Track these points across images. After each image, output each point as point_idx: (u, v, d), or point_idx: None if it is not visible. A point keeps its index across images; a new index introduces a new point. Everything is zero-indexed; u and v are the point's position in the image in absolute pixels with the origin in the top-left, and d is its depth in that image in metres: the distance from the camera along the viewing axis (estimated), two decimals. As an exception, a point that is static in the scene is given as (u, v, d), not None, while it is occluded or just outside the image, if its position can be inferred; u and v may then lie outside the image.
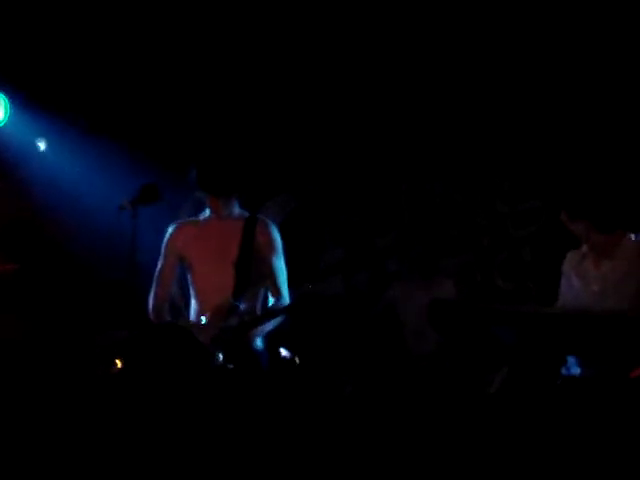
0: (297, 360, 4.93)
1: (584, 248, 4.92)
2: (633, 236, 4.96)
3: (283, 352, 4.79)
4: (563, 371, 4.94)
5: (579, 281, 4.89)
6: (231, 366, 4.69)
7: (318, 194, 7.27)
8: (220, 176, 5.05)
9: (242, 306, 4.86)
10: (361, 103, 7.04)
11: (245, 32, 6.86)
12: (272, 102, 7.02)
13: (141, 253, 5.01)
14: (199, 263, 5.09)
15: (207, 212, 5.23)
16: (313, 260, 5.57)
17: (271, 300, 5.04)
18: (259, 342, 4.96)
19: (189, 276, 5.14)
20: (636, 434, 4.36)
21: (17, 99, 6.82)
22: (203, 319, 4.86)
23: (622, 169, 5.97)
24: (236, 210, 5.17)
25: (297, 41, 6.89)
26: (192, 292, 5.11)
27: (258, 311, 5.01)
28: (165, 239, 5.22)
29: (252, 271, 4.97)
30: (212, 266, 5.03)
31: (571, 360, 4.91)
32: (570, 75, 6.76)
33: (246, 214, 5.18)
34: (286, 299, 5.02)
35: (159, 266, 5.20)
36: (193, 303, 5.09)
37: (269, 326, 4.96)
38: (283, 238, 5.17)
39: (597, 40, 6.60)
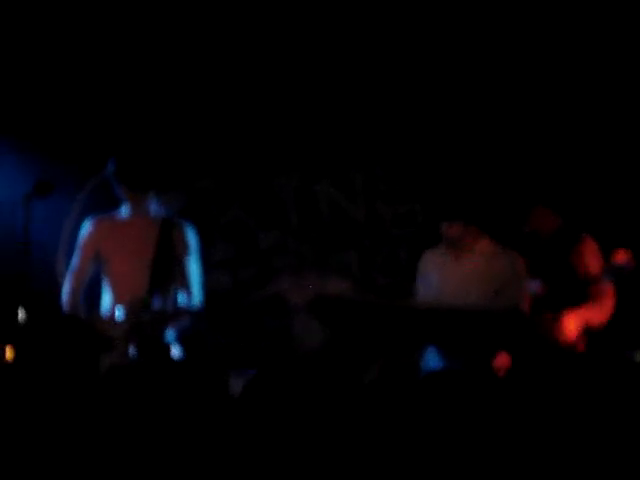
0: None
1: (442, 247, 5.19)
2: None
3: (175, 351, 4.94)
4: (423, 364, 5.21)
5: (440, 278, 5.16)
6: (143, 359, 4.86)
7: (207, 191, 7.33)
8: (142, 170, 5.14)
9: (156, 303, 5.01)
10: (251, 103, 7.19)
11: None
12: (167, 98, 7.09)
13: (35, 247, 5.07)
14: (115, 259, 5.22)
15: (125, 208, 5.29)
16: (203, 256, 5.70)
17: (183, 299, 5.23)
18: (171, 338, 5.13)
19: (104, 271, 5.27)
20: (497, 423, 4.69)
21: None
22: (117, 314, 4.98)
23: (489, 172, 6.31)
24: (154, 208, 5.25)
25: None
26: (107, 287, 5.26)
27: (170, 307, 5.16)
28: (82, 233, 5.33)
29: (167, 270, 5.12)
30: (128, 263, 5.18)
31: (432, 353, 5.17)
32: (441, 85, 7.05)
33: (163, 213, 5.26)
34: (198, 298, 5.21)
35: (75, 260, 5.31)
36: (107, 298, 5.24)
37: (182, 324, 5.14)
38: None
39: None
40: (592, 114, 6.82)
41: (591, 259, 5.61)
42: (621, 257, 5.28)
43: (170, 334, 5.10)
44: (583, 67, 6.80)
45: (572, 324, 5.40)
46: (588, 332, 5.57)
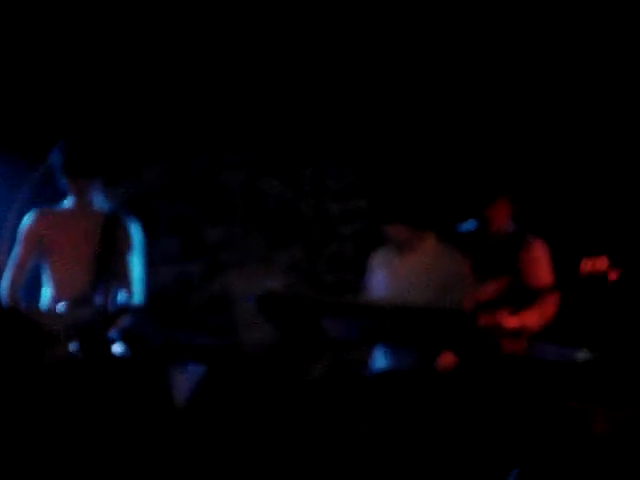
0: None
1: (390, 245, 5.24)
2: None
3: (117, 348, 4.93)
4: (370, 363, 5.25)
5: (387, 276, 5.22)
6: (82, 355, 4.85)
7: (153, 183, 7.31)
8: (87, 157, 5.14)
9: (97, 298, 5.01)
10: (202, 95, 7.17)
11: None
12: (115, 84, 7.04)
13: None
14: (58, 252, 5.22)
15: (69, 200, 5.26)
16: (147, 249, 5.69)
17: (123, 295, 5.22)
18: (113, 334, 5.12)
19: (46, 264, 5.26)
20: (438, 422, 4.72)
21: None
22: (59, 307, 4.95)
23: (431, 172, 6.35)
24: (98, 200, 5.21)
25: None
26: (48, 280, 5.26)
27: (110, 304, 5.14)
28: (24, 225, 5.31)
29: (110, 264, 5.08)
30: (70, 257, 5.18)
31: (379, 351, 5.20)
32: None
33: (108, 206, 5.24)
34: (139, 296, 5.19)
35: (16, 251, 5.28)
36: (48, 291, 5.23)
37: (124, 321, 5.13)
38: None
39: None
40: (547, 106, 6.86)
41: (540, 266, 5.64)
42: (601, 264, 5.26)
43: (112, 331, 5.08)
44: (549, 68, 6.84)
45: (510, 322, 5.44)
46: (524, 334, 5.61)
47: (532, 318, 5.47)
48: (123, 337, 5.06)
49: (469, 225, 5.79)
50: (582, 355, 5.87)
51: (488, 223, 5.66)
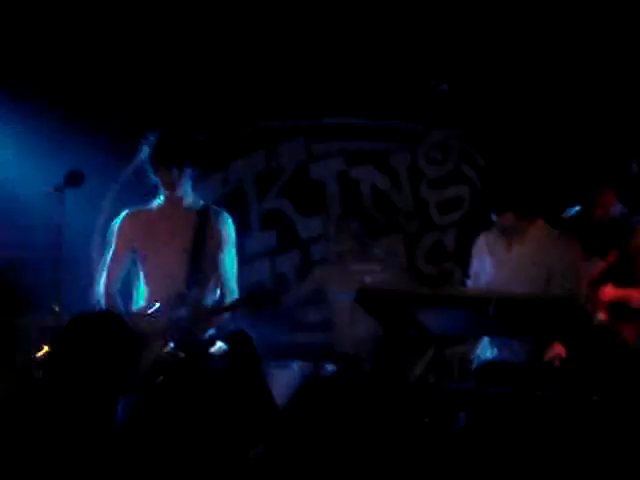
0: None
1: (495, 231, 5.09)
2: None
3: (218, 345, 4.87)
4: (478, 353, 5.11)
5: (492, 263, 5.08)
6: (182, 355, 4.75)
7: (247, 179, 7.26)
8: (176, 145, 5.08)
9: (193, 296, 4.92)
10: (286, 83, 7.08)
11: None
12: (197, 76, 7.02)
13: (68, 238, 5.14)
14: (150, 251, 5.18)
15: (159, 198, 5.22)
16: (239, 244, 5.62)
17: (219, 292, 5.14)
18: (210, 334, 5.06)
19: (139, 263, 5.24)
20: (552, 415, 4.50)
21: None
22: (154, 307, 4.92)
23: (537, 160, 6.21)
24: (190, 194, 5.16)
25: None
26: (142, 279, 5.22)
27: (207, 301, 5.12)
28: (115, 226, 5.30)
29: (204, 261, 5.02)
30: (164, 254, 5.13)
31: (485, 343, 5.07)
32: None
33: (200, 202, 5.19)
34: (235, 293, 5.12)
35: (109, 253, 5.26)
36: (143, 290, 5.20)
37: (220, 319, 5.07)
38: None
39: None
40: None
41: None
42: None
43: (210, 330, 5.02)
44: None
45: (610, 292, 5.27)
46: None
47: (634, 295, 5.27)
48: (223, 336, 4.98)
49: (575, 210, 5.63)
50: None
51: (594, 208, 5.51)
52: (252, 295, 5.11)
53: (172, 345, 4.86)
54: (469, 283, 5.36)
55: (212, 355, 4.92)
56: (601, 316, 5.20)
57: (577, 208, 5.66)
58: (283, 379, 5.50)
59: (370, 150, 7.26)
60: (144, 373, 4.61)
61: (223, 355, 4.87)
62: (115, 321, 4.35)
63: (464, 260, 5.70)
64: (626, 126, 6.59)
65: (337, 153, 7.26)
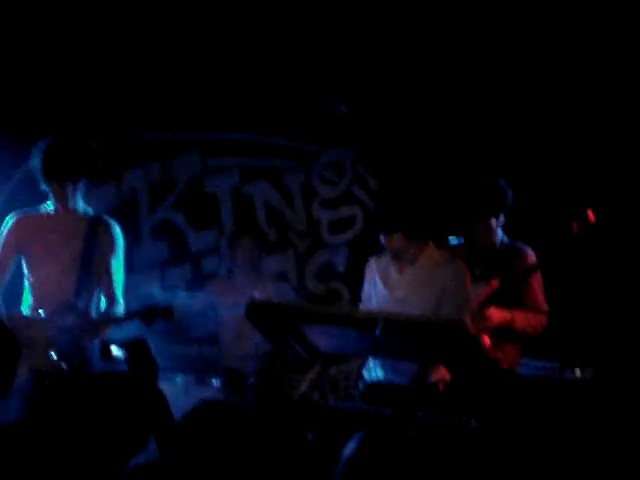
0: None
1: (387, 254, 5.13)
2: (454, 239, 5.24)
3: (114, 350, 4.79)
4: (364, 374, 5.13)
5: (384, 286, 5.10)
6: (64, 366, 4.67)
7: (140, 189, 7.20)
8: (66, 159, 4.98)
9: (80, 305, 4.85)
10: (185, 93, 7.08)
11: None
12: (93, 83, 6.98)
13: None
14: (39, 257, 5.13)
15: (50, 205, 5.13)
16: (129, 254, 5.56)
17: (105, 302, 5.10)
18: (94, 344, 4.99)
19: (26, 269, 5.17)
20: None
21: None
22: (40, 313, 4.82)
23: (430, 181, 6.30)
24: (80, 204, 5.11)
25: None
26: (29, 285, 5.17)
27: (95, 311, 5.07)
28: (3, 229, 5.18)
29: (92, 270, 4.99)
30: (52, 262, 5.08)
31: (371, 363, 5.10)
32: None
33: (90, 211, 5.13)
34: (120, 302, 5.05)
35: None
36: (29, 297, 5.11)
37: (107, 330, 5.02)
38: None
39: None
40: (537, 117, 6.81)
41: (533, 277, 5.59)
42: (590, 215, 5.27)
43: (96, 340, 4.95)
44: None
45: (496, 315, 5.37)
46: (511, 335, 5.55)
47: (520, 316, 5.39)
48: (120, 344, 4.93)
49: (457, 240, 5.76)
50: (575, 373, 5.84)
51: (477, 237, 5.62)
52: (146, 309, 5.06)
53: (54, 355, 4.79)
54: (360, 307, 5.36)
55: (108, 361, 4.86)
56: (485, 340, 5.29)
57: (459, 239, 5.77)
58: (166, 392, 5.45)
59: (265, 167, 7.28)
60: (23, 381, 4.52)
61: (120, 362, 4.83)
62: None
63: (354, 281, 5.74)
64: (506, 154, 6.74)
65: (232, 168, 7.26)
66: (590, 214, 5.28)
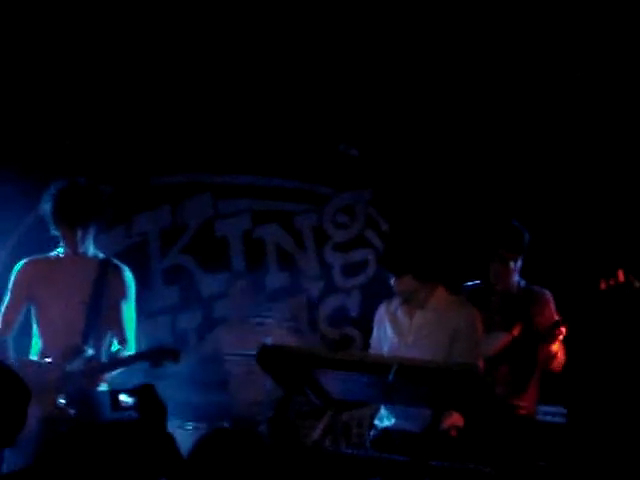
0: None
1: (397, 299, 5.08)
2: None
3: (124, 398, 4.75)
4: (376, 422, 5.08)
5: (393, 331, 5.05)
6: (73, 412, 4.63)
7: (151, 233, 7.19)
8: (78, 204, 5.00)
9: (89, 350, 4.84)
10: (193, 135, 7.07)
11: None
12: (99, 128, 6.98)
13: None
14: (48, 303, 5.14)
15: (61, 249, 5.14)
16: (140, 299, 5.55)
17: (116, 346, 5.05)
18: (102, 388, 5.00)
19: (36, 314, 5.17)
20: None
21: None
22: (48, 359, 4.81)
23: (439, 222, 6.30)
24: (91, 249, 5.11)
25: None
26: (37, 330, 5.18)
27: (103, 356, 5.08)
28: (13, 275, 5.23)
29: (102, 314, 4.97)
30: (61, 306, 5.09)
31: (383, 410, 5.05)
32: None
33: (100, 255, 5.13)
34: (132, 347, 5.05)
35: (5, 302, 5.20)
36: (38, 341, 5.12)
37: (114, 373, 5.03)
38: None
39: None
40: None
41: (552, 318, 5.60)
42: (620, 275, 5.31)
43: (103, 385, 4.91)
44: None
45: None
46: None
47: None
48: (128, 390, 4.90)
49: (474, 284, 5.80)
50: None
51: (494, 280, 5.60)
52: (153, 351, 5.04)
53: (63, 400, 4.77)
54: (371, 352, 5.31)
55: (118, 407, 4.83)
56: (499, 389, 5.25)
57: (476, 282, 5.75)
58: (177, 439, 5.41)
59: (276, 210, 7.27)
60: (32, 427, 4.49)
61: (128, 408, 4.79)
62: (2, 369, 4.23)
63: (367, 326, 5.71)
64: (524, 196, 6.72)
65: (244, 211, 7.26)
66: (621, 275, 5.26)
